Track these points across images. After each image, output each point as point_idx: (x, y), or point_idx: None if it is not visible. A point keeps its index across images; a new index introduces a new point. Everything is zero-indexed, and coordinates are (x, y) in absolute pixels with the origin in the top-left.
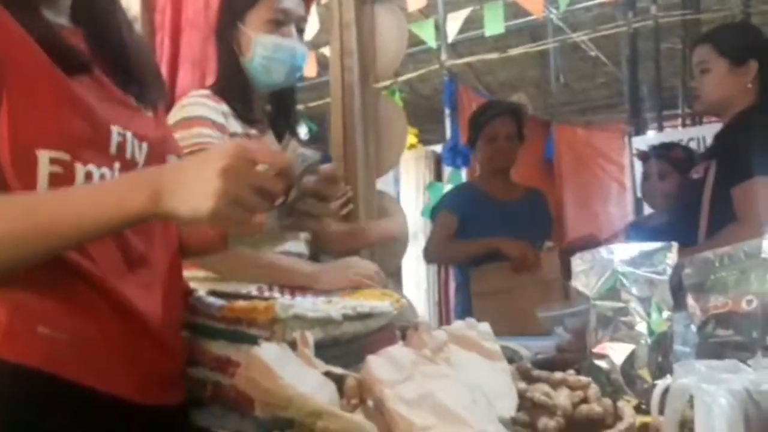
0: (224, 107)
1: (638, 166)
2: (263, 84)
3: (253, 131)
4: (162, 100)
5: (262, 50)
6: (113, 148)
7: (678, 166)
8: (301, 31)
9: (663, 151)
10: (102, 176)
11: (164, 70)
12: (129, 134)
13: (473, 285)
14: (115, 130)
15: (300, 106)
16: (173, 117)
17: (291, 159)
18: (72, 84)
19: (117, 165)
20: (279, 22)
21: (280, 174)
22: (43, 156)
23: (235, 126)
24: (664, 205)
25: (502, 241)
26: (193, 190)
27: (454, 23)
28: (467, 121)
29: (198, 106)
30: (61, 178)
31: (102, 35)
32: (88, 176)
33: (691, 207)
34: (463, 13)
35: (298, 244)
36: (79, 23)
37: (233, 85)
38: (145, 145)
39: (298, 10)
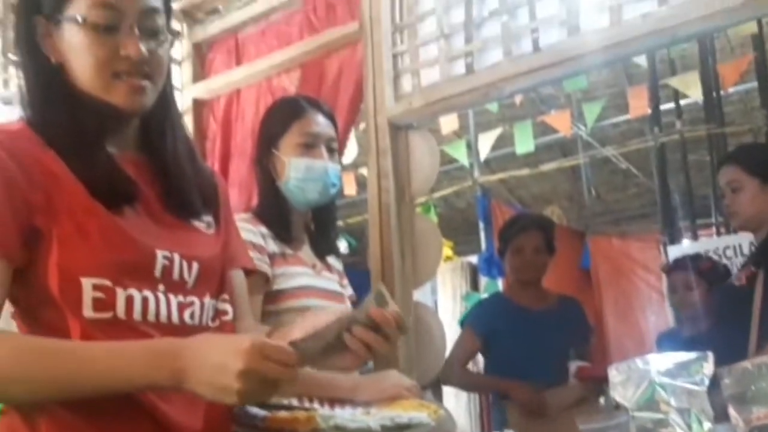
0: (263, 229)
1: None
2: (300, 203)
3: (289, 250)
4: (222, 217)
5: (296, 173)
6: (158, 272)
7: (706, 277)
8: (332, 150)
9: (690, 263)
10: (144, 299)
11: None
12: (177, 256)
13: (510, 416)
14: (160, 254)
15: (340, 222)
16: None
17: (294, 352)
18: (117, 217)
19: (161, 287)
20: (309, 145)
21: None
22: (87, 283)
23: (272, 246)
24: (694, 315)
25: (509, 384)
26: (216, 387)
27: (486, 142)
28: (497, 233)
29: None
30: (104, 303)
31: (160, 161)
32: (129, 300)
33: (737, 315)
34: (494, 133)
35: None
36: (143, 149)
37: (272, 208)
38: (195, 264)
39: (327, 132)
